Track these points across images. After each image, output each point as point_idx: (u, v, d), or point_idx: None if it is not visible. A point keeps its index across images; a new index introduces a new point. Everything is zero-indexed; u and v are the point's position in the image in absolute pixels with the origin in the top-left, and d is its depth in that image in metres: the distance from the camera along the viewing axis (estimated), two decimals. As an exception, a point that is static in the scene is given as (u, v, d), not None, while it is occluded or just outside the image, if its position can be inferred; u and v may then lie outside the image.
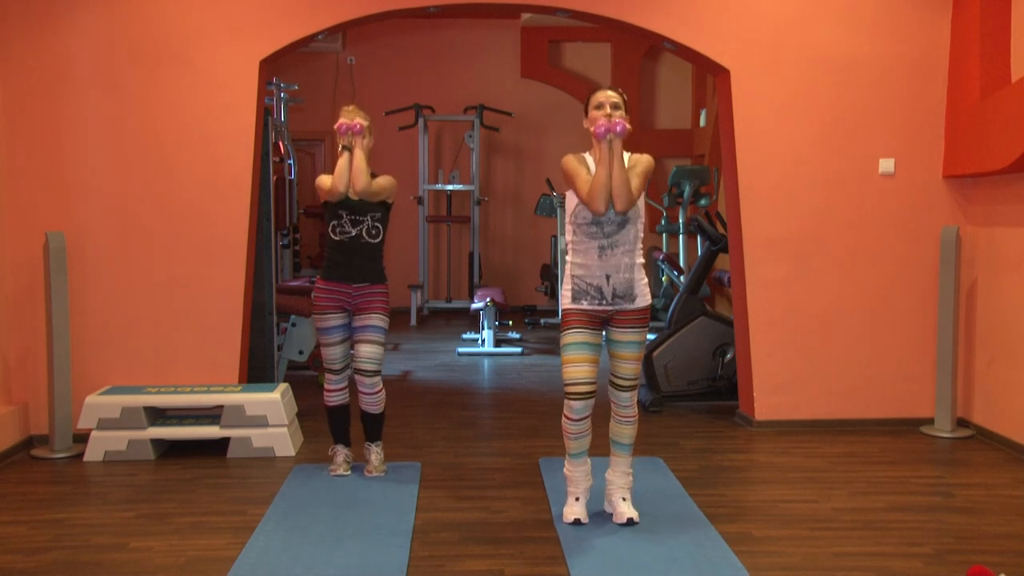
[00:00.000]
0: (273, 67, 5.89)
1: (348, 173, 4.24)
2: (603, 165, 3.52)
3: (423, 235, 10.56)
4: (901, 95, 5.31)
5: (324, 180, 4.29)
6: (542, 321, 9.63)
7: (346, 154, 4.27)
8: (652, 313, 8.95)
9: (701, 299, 6.39)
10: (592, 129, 3.57)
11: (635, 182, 3.59)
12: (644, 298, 3.68)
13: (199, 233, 5.11)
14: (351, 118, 4.26)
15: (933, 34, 5.29)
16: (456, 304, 10.52)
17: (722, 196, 7.74)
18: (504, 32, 10.84)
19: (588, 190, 3.54)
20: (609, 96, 3.63)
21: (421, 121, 10.30)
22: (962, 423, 5.38)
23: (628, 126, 3.53)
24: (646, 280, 3.69)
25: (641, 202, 3.67)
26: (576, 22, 6.03)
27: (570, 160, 3.67)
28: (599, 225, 3.60)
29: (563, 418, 3.73)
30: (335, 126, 4.29)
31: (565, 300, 3.69)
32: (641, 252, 3.69)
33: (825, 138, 5.31)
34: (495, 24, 10.80)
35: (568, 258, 3.70)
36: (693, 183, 8.84)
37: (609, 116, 3.57)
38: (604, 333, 3.73)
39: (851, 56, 5.27)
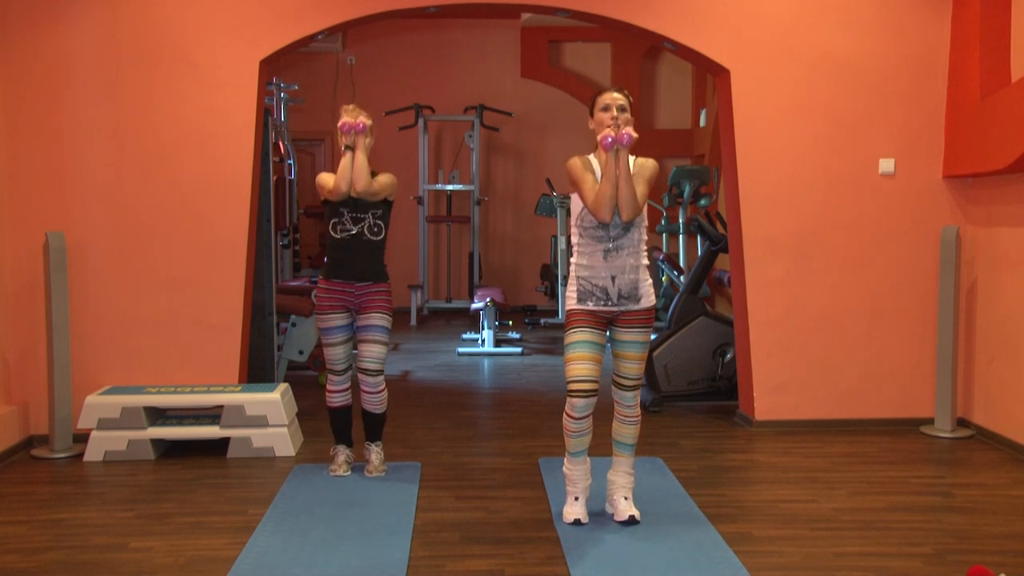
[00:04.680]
0: (273, 67, 5.89)
1: (350, 173, 4.22)
2: (608, 177, 3.51)
3: (423, 235, 10.56)
4: (901, 95, 5.31)
5: (325, 178, 4.28)
6: (542, 321, 9.63)
7: (349, 153, 4.25)
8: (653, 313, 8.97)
9: (701, 299, 6.39)
10: (599, 139, 3.55)
11: (640, 189, 3.60)
12: (649, 299, 3.69)
13: (199, 233, 5.11)
14: (354, 117, 4.24)
15: (933, 34, 5.29)
16: (456, 304, 10.51)
17: (722, 196, 7.73)
18: (504, 32, 10.84)
19: (593, 200, 3.55)
20: (615, 98, 3.61)
21: (421, 121, 10.30)
22: (962, 423, 5.37)
23: (634, 135, 3.51)
24: (650, 281, 3.71)
25: (644, 209, 3.67)
26: (576, 22, 6.03)
27: (576, 164, 3.66)
28: (605, 229, 3.61)
29: (564, 416, 3.73)
30: (338, 124, 4.27)
31: (570, 301, 3.69)
32: (645, 254, 3.70)
33: (825, 138, 5.31)
34: (495, 24, 10.80)
35: (573, 260, 3.71)
36: (693, 183, 8.84)
37: (615, 118, 3.55)
38: (608, 333, 3.74)
39: (851, 56, 5.26)
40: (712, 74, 5.73)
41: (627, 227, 3.62)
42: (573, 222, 3.69)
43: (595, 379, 3.64)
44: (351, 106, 4.30)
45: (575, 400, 3.65)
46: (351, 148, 4.24)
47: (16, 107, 4.97)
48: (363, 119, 4.24)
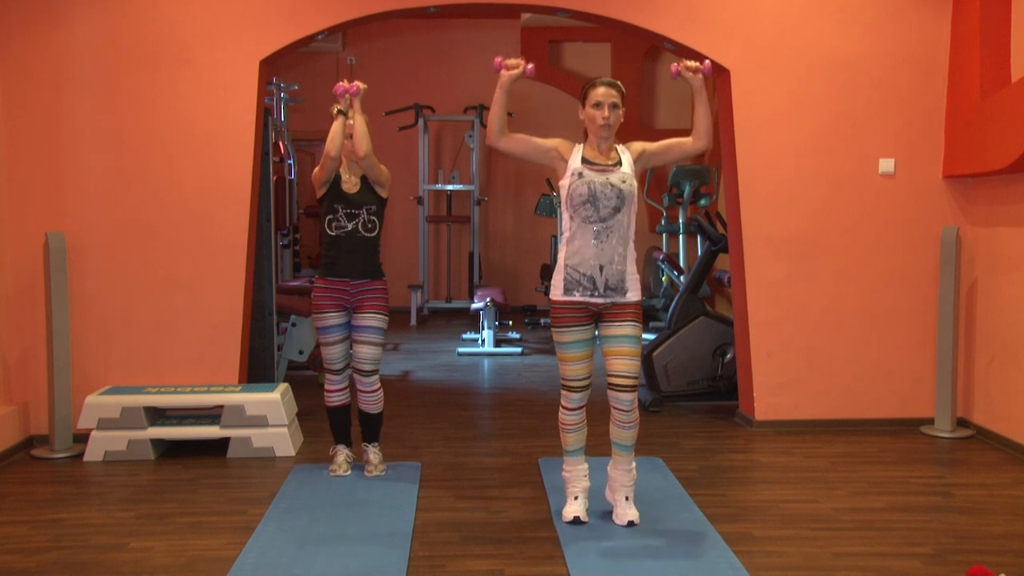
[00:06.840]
0: (273, 67, 5.89)
1: (342, 138, 4.21)
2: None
3: (423, 235, 10.56)
4: (901, 95, 5.31)
5: (317, 170, 4.27)
6: (542, 321, 9.63)
7: (341, 118, 4.22)
8: (652, 313, 8.97)
9: (701, 299, 6.39)
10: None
11: (661, 144, 3.79)
12: (635, 292, 3.67)
13: (199, 233, 5.11)
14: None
15: (933, 34, 5.29)
16: (456, 304, 10.52)
17: (722, 196, 7.74)
18: (504, 32, 10.83)
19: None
20: (609, 94, 3.67)
21: (421, 121, 10.30)
22: (962, 423, 5.37)
23: (709, 71, 3.73)
24: (637, 276, 3.70)
25: (636, 193, 3.67)
26: (576, 22, 6.04)
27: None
28: (595, 207, 3.60)
29: (560, 409, 3.78)
30: (333, 88, 4.26)
31: (556, 292, 3.69)
32: (633, 245, 3.69)
33: (825, 138, 5.31)
34: (495, 24, 10.80)
35: (562, 246, 3.70)
36: (693, 183, 8.84)
37: (607, 118, 3.63)
38: (596, 331, 3.74)
39: (851, 56, 5.26)
40: (712, 74, 5.73)
41: (617, 207, 3.61)
42: (563, 205, 3.65)
43: (589, 374, 3.75)
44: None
45: (572, 394, 3.73)
46: (343, 113, 4.22)
47: (16, 107, 4.97)
48: (359, 83, 4.24)
